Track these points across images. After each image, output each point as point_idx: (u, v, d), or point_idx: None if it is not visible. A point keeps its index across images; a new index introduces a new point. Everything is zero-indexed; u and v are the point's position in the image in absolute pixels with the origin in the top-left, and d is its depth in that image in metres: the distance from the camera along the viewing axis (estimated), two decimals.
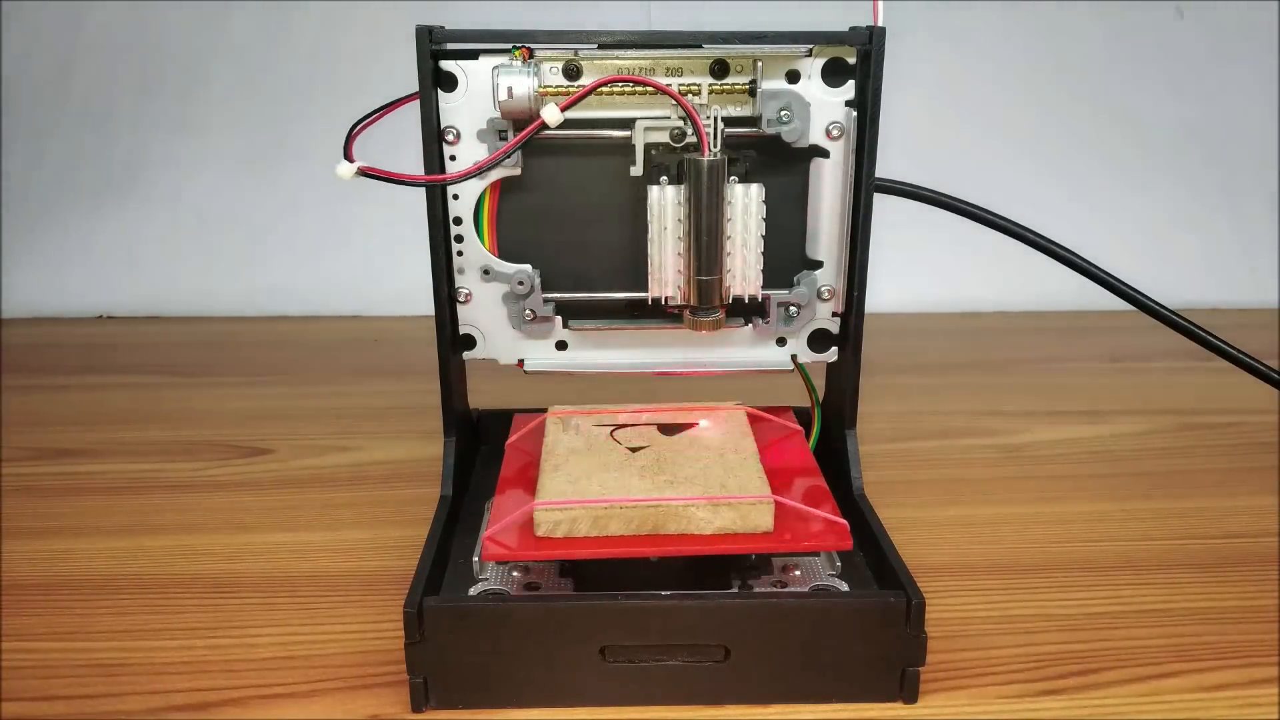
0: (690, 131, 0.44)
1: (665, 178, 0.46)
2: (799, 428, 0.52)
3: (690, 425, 0.49)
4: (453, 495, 0.49)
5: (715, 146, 0.44)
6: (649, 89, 0.44)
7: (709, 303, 0.45)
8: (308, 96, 1.03)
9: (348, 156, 0.42)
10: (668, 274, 0.46)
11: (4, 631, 0.45)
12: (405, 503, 0.58)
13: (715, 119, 0.44)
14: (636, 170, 0.45)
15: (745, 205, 0.45)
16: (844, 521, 0.42)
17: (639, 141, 0.45)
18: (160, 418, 0.73)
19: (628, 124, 0.46)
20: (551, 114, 0.41)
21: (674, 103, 0.43)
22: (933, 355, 0.90)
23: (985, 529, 0.55)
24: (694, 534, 0.41)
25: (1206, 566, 0.51)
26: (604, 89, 0.44)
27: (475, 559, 0.44)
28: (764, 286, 0.49)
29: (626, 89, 0.45)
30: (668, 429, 0.49)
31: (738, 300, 0.47)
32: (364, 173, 0.41)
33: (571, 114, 0.44)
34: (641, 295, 0.47)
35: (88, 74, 1.04)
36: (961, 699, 0.41)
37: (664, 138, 0.46)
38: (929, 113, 1.03)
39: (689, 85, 0.45)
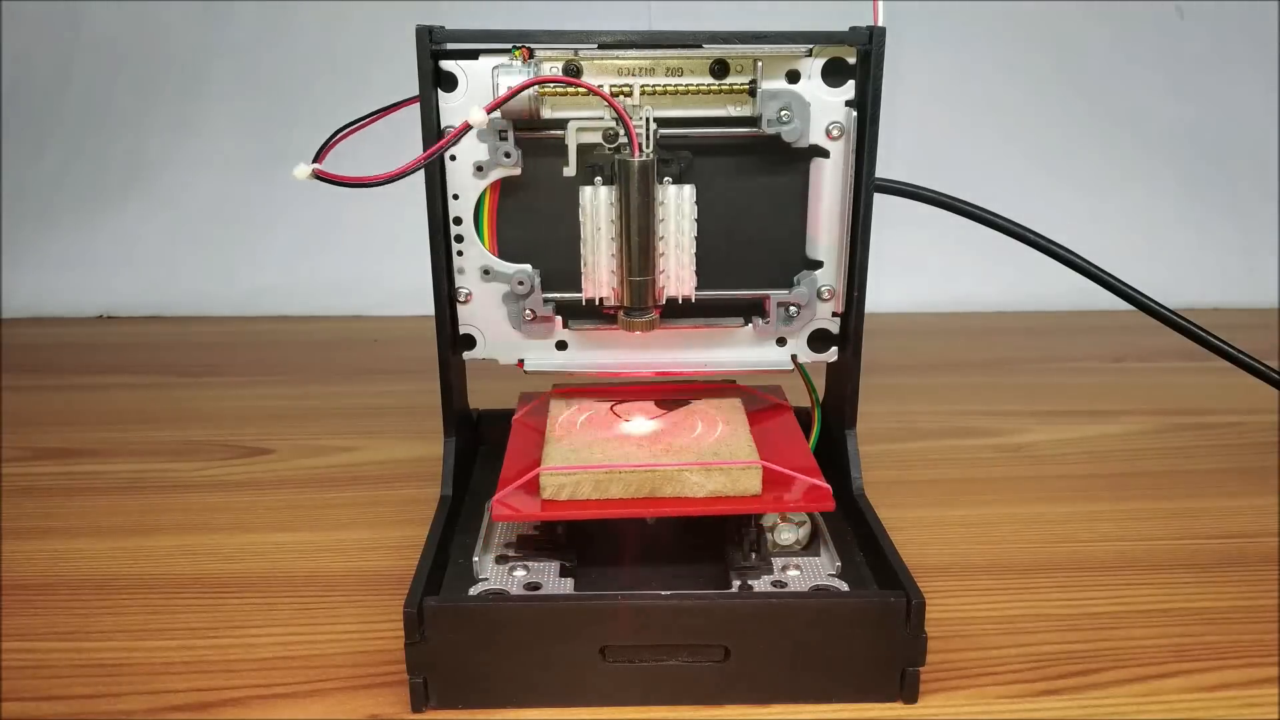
0: (622, 132, 0.44)
1: (599, 178, 0.46)
2: (787, 403, 0.53)
3: (686, 401, 0.51)
4: (453, 495, 0.49)
5: (647, 147, 0.44)
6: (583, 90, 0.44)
7: (642, 303, 0.45)
8: (308, 96, 1.02)
9: (318, 157, 0.42)
10: (602, 274, 0.46)
11: (4, 631, 0.45)
12: (405, 503, 0.58)
13: (647, 120, 0.44)
14: (570, 171, 0.45)
15: (678, 206, 0.45)
16: (827, 485, 0.44)
17: (571, 142, 0.45)
18: (160, 418, 0.73)
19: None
20: (477, 115, 0.40)
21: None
22: (933, 355, 0.90)
23: (985, 529, 0.55)
24: (688, 496, 0.43)
25: (1206, 566, 0.51)
26: (548, 87, 0.44)
27: (475, 559, 0.44)
28: (764, 287, 0.49)
29: (564, 89, 0.44)
30: (665, 404, 0.50)
31: (671, 300, 0.47)
32: (318, 175, 0.40)
33: (561, 114, 0.45)
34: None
35: (88, 74, 1.04)
36: (961, 699, 0.41)
37: (598, 138, 0.45)
38: (929, 113, 1.03)
39: (622, 86, 0.45)
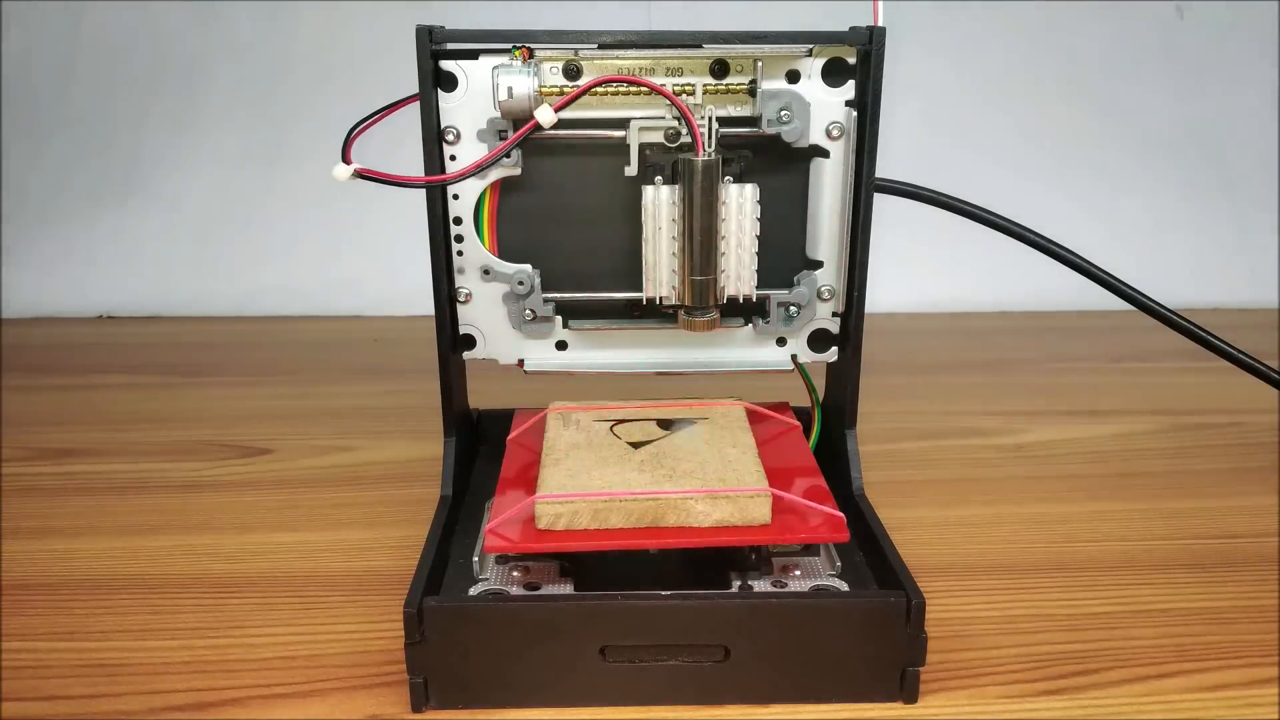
0: (685, 132, 0.44)
1: (660, 178, 0.46)
2: (797, 423, 0.51)
3: (690, 421, 0.49)
4: (453, 495, 0.49)
5: (710, 146, 0.44)
6: (644, 89, 0.44)
7: (704, 303, 0.45)
8: (308, 96, 1.03)
9: (345, 158, 0.42)
10: (662, 274, 0.46)
11: (4, 631, 0.45)
12: (405, 503, 0.58)
13: (710, 119, 0.44)
14: (631, 170, 0.45)
15: (740, 205, 0.45)
16: (840, 514, 0.42)
17: (634, 142, 0.45)
18: (160, 418, 0.73)
19: (625, 124, 0.46)
20: (545, 115, 0.41)
21: (669, 103, 0.43)
22: (932, 355, 0.90)
23: (985, 529, 0.55)
24: (693, 526, 0.41)
25: (1206, 566, 0.51)
26: (599, 89, 0.44)
27: (475, 559, 0.44)
28: (764, 286, 0.49)
29: (622, 89, 0.45)
30: (667, 424, 0.49)
31: (732, 300, 0.48)
32: (360, 174, 0.41)
33: (569, 114, 0.44)
34: (639, 295, 0.47)
35: (88, 74, 1.04)
36: (961, 699, 0.41)
37: (659, 138, 0.45)
38: (929, 112, 1.03)
39: (684, 85, 0.45)
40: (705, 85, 0.45)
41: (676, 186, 0.44)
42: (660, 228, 0.45)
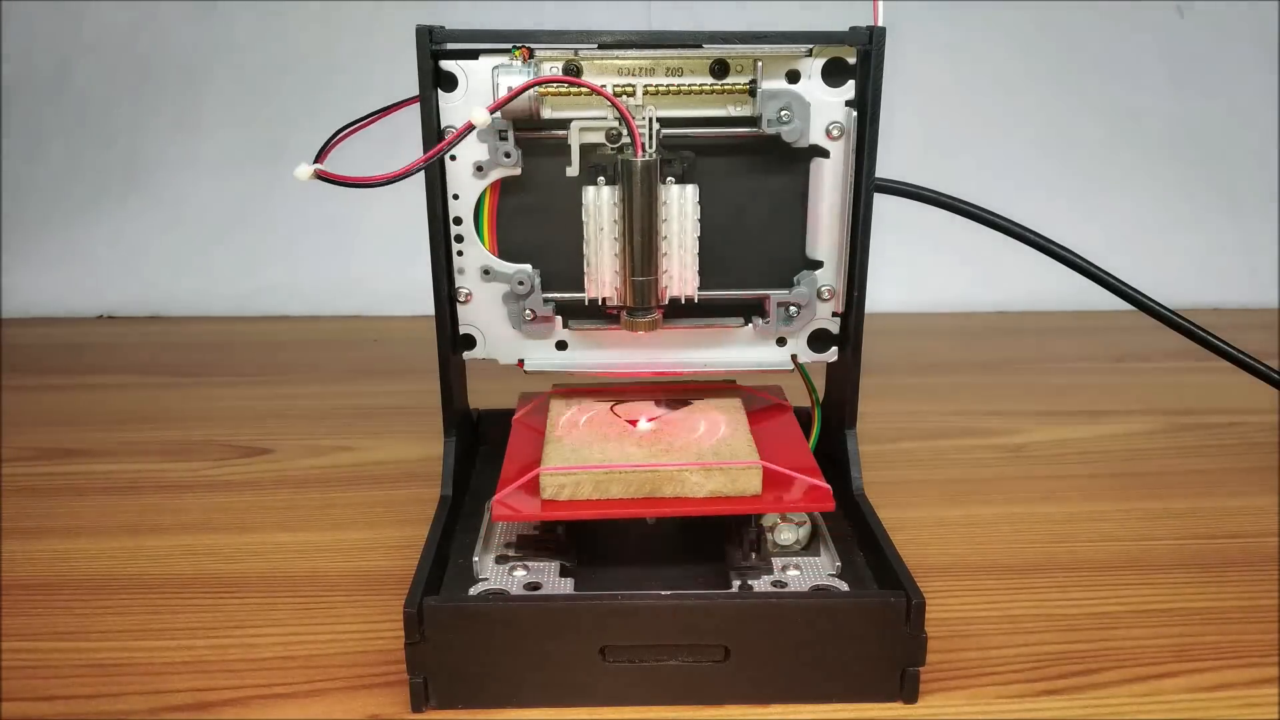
0: (625, 132, 0.44)
1: (602, 178, 0.46)
2: (787, 403, 0.53)
3: (686, 400, 0.51)
4: (453, 495, 0.49)
5: (650, 147, 0.44)
6: (585, 89, 0.44)
7: (645, 303, 0.45)
8: (308, 97, 1.03)
9: (319, 157, 0.42)
10: (605, 274, 0.46)
11: (4, 631, 0.45)
12: (405, 503, 0.58)
13: (650, 120, 0.44)
14: (572, 170, 0.45)
15: (681, 206, 0.46)
16: (827, 485, 0.44)
17: (574, 142, 0.45)
18: (160, 418, 0.73)
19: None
20: (479, 115, 0.40)
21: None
22: (932, 355, 0.90)
23: (985, 529, 0.55)
24: (688, 496, 0.43)
25: (1206, 566, 0.51)
26: (549, 88, 0.44)
27: (475, 559, 0.44)
28: (764, 287, 0.49)
29: (564, 89, 0.44)
30: (665, 404, 0.50)
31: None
32: (320, 175, 0.40)
33: (562, 114, 0.45)
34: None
35: (88, 74, 1.04)
36: (961, 699, 0.41)
37: (600, 138, 0.45)
38: (929, 112, 1.03)
39: (625, 86, 0.45)
40: (647, 86, 0.45)
41: (617, 187, 0.44)
42: (602, 228, 0.45)
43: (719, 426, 0.47)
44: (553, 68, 0.45)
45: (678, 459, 0.43)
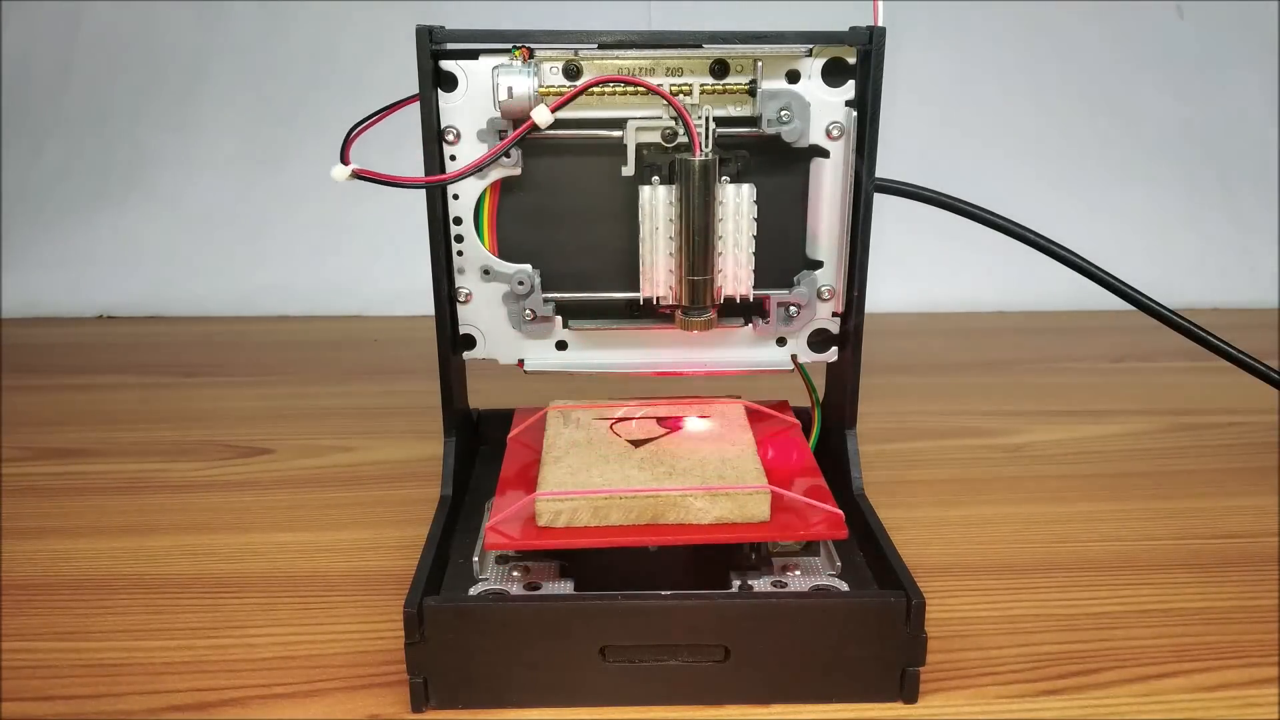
0: (682, 132, 0.44)
1: (657, 178, 0.46)
2: (796, 421, 0.52)
3: (689, 419, 0.49)
4: (453, 495, 0.49)
5: (707, 146, 0.44)
6: (642, 89, 0.44)
7: (700, 303, 0.45)
8: (308, 96, 1.03)
9: (344, 159, 0.42)
10: (659, 274, 0.46)
11: (4, 631, 0.45)
12: (405, 503, 0.58)
13: (707, 119, 0.44)
14: (628, 170, 0.45)
15: (737, 205, 0.46)
16: (839, 511, 0.42)
17: (630, 142, 0.45)
18: (160, 418, 0.73)
19: (623, 124, 0.46)
20: (542, 115, 0.41)
21: (666, 103, 0.43)
22: (933, 355, 0.90)
23: (985, 529, 0.55)
24: (692, 523, 0.41)
25: (1206, 566, 0.51)
26: (597, 89, 0.44)
27: (475, 559, 0.44)
28: (764, 286, 0.49)
29: (619, 89, 0.45)
30: (667, 422, 0.49)
31: (729, 300, 0.48)
32: (358, 175, 0.41)
33: (567, 114, 0.44)
34: (638, 295, 0.47)
35: (88, 74, 1.04)
36: (961, 699, 0.41)
37: (656, 138, 0.46)
38: (929, 112, 1.03)
39: (682, 85, 0.45)
40: (702, 85, 0.45)
41: (673, 186, 0.44)
42: (657, 228, 0.45)
43: (724, 446, 0.46)
44: (552, 68, 0.45)
45: (681, 483, 0.42)
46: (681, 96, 0.44)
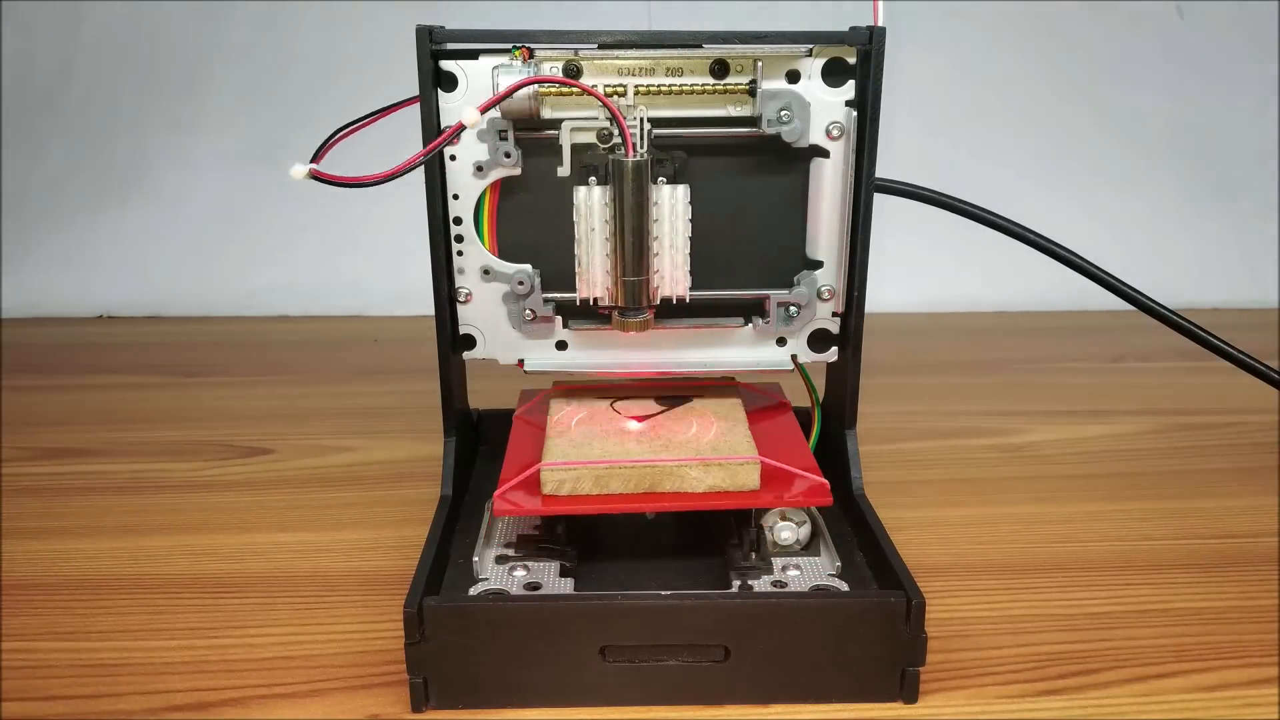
0: (616, 132, 0.44)
1: (594, 178, 0.46)
2: (786, 400, 0.54)
3: (685, 397, 0.51)
4: (453, 495, 0.49)
5: (641, 148, 0.44)
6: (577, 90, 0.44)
7: (636, 304, 0.45)
8: (308, 96, 1.03)
9: (316, 157, 0.42)
10: (596, 275, 0.46)
11: (4, 631, 0.45)
12: (405, 503, 0.58)
13: (641, 120, 0.44)
14: (564, 171, 0.45)
15: (672, 206, 0.46)
16: (824, 480, 0.44)
17: (566, 142, 0.45)
18: (160, 418, 0.73)
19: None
20: (470, 115, 0.40)
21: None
22: (933, 355, 0.90)
23: (985, 529, 0.55)
24: (688, 491, 0.43)
25: (1206, 566, 0.51)
26: (546, 87, 0.44)
27: (475, 559, 0.44)
28: (764, 286, 0.49)
29: (562, 88, 0.44)
30: (664, 401, 0.51)
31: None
32: (315, 176, 0.40)
33: (558, 113, 0.45)
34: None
35: (88, 74, 1.04)
36: (961, 699, 0.41)
37: (592, 138, 0.46)
38: (929, 112, 1.03)
39: (616, 86, 0.45)
40: (645, 86, 0.45)
41: (609, 187, 0.44)
42: (593, 228, 0.45)
43: (718, 423, 0.47)
44: (553, 68, 0.45)
45: (677, 454, 0.44)
46: (616, 98, 0.44)
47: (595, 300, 0.47)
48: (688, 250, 0.46)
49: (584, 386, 0.53)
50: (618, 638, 0.39)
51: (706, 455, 0.44)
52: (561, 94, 0.45)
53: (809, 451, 0.47)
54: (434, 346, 0.49)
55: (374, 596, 0.48)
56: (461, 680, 0.39)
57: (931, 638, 0.40)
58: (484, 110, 0.41)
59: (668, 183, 0.46)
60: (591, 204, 0.45)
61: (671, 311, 0.48)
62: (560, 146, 0.46)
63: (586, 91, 0.43)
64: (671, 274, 0.47)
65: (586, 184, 0.45)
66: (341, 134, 0.45)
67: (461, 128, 0.40)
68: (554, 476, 0.43)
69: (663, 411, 0.49)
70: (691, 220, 0.46)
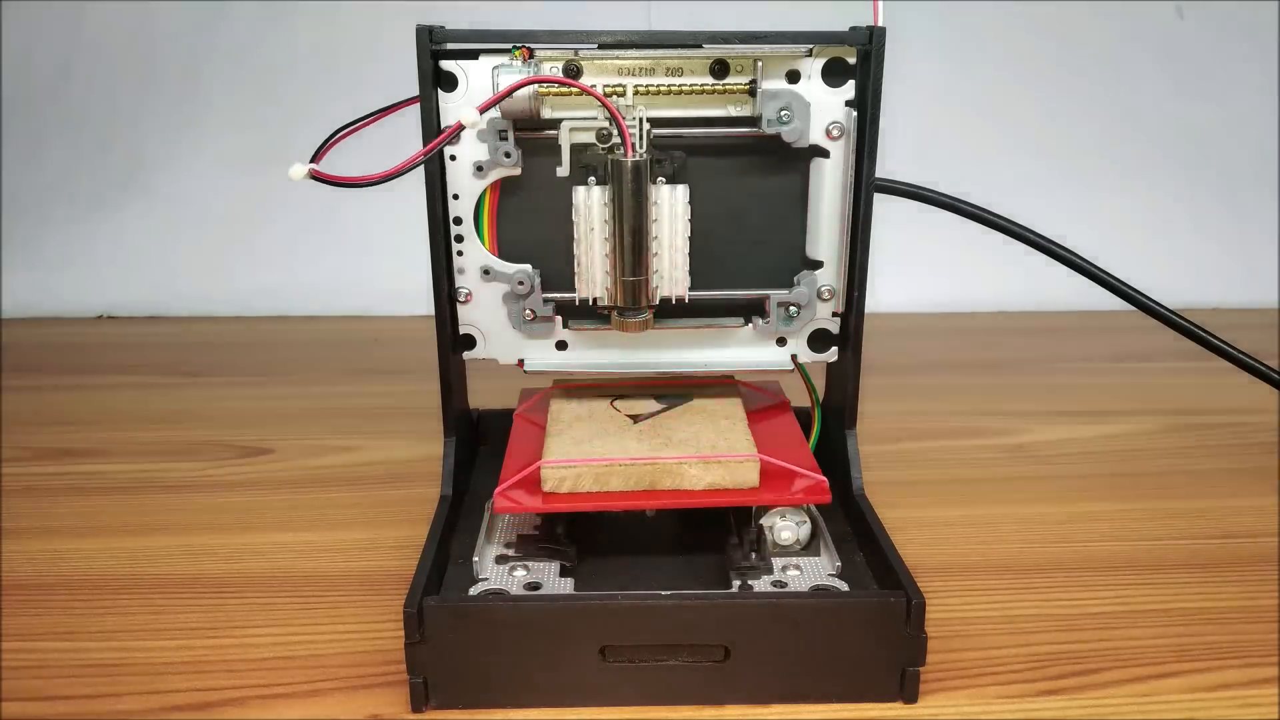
0: (615, 132, 0.44)
1: (593, 178, 0.46)
2: (785, 397, 0.54)
3: (685, 396, 0.51)
4: (453, 495, 0.49)
5: (640, 147, 0.44)
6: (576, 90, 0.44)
7: (636, 304, 0.45)
8: (307, 96, 1.03)
9: (316, 157, 0.42)
10: (596, 275, 0.46)
11: (4, 631, 0.45)
12: (405, 503, 0.58)
13: (640, 120, 0.44)
14: (563, 171, 0.45)
15: (671, 206, 0.46)
16: (823, 478, 0.44)
17: (565, 142, 0.45)
18: (160, 418, 0.73)
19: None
20: (469, 115, 0.40)
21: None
22: (933, 355, 0.90)
23: (985, 529, 0.55)
24: (687, 489, 0.43)
25: (1206, 566, 0.51)
26: (546, 87, 0.44)
27: (475, 559, 0.44)
28: (764, 286, 0.49)
29: (559, 88, 0.44)
30: (663, 399, 0.51)
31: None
32: (314, 176, 0.40)
33: (559, 113, 0.45)
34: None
35: (88, 74, 1.04)
36: (961, 699, 0.41)
37: (591, 138, 0.46)
38: (929, 112, 1.03)
39: (615, 86, 0.45)
40: (639, 86, 0.45)
41: (608, 187, 0.44)
42: (592, 228, 0.45)
43: (718, 421, 0.48)
44: (553, 68, 0.45)
45: (677, 452, 0.44)
46: (615, 98, 0.44)
47: (595, 300, 0.47)
48: (687, 250, 0.46)
49: (584, 385, 0.53)
50: (618, 638, 0.39)
51: (706, 453, 0.44)
52: (561, 94, 0.45)
53: (808, 450, 0.48)
54: (434, 346, 0.49)
55: (374, 596, 0.48)
56: (461, 680, 0.39)
57: (931, 638, 0.40)
58: (484, 110, 0.41)
59: (667, 183, 0.46)
60: (591, 204, 0.45)
61: (671, 311, 0.48)
62: (560, 146, 0.46)
63: (586, 91, 0.43)
64: (671, 274, 0.47)
65: (586, 184, 0.45)
66: (341, 134, 0.45)
67: (461, 127, 0.40)
68: (554, 474, 0.43)
69: (663, 410, 0.49)
70: (691, 220, 0.46)
